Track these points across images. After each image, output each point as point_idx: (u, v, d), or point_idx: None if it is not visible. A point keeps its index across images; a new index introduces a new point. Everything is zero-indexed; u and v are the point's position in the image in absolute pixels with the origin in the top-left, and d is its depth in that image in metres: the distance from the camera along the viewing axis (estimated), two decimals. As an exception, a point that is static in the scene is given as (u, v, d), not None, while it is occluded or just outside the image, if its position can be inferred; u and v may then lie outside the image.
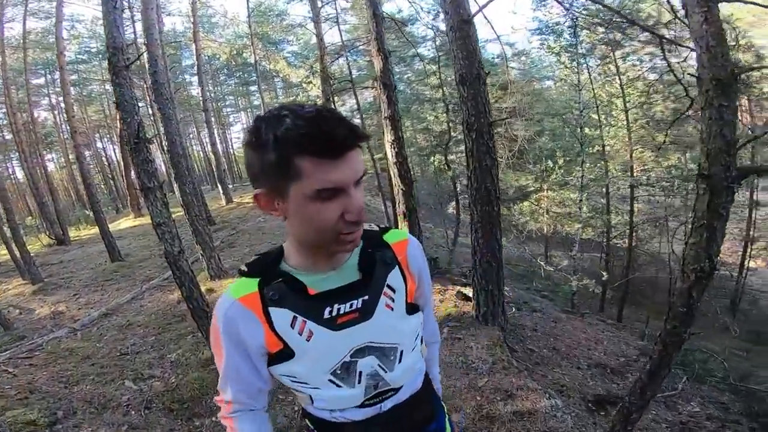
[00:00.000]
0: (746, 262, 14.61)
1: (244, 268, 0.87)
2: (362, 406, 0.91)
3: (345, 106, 18.05)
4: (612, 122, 12.82)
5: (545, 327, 6.36)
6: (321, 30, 10.85)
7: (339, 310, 0.83)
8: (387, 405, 0.94)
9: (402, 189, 5.46)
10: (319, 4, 10.93)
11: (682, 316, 2.21)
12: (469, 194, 4.70)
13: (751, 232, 14.71)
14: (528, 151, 11.97)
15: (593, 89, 12.20)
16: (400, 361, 0.92)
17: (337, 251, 0.83)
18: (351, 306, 0.84)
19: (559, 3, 6.74)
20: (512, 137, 10.61)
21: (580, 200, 12.18)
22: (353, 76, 12.39)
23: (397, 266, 0.92)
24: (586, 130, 11.95)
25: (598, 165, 12.79)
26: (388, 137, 5.40)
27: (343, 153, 0.70)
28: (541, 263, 11.61)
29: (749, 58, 10.00)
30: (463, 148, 5.77)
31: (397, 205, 5.75)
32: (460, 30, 4.18)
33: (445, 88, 11.32)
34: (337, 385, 0.87)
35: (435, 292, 5.94)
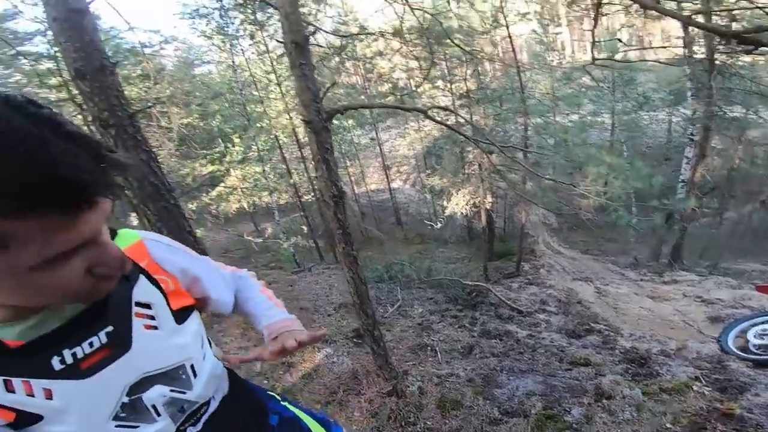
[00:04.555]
0: (390, 184, 20.26)
1: None
2: None
3: None
4: (270, 95, 14.10)
5: (285, 292, 6.82)
6: None
7: (75, 354, 0.63)
8: (200, 422, 0.81)
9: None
10: None
11: (342, 237, 2.83)
12: (132, 194, 4.25)
13: (386, 161, 20.49)
14: (193, 136, 11.71)
15: (249, 68, 12.99)
16: (195, 375, 0.78)
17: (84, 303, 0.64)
18: (92, 345, 0.65)
19: None
20: (169, 126, 10.06)
21: (263, 170, 13.18)
22: None
23: (141, 275, 0.74)
24: (251, 106, 12.75)
25: (271, 136, 14.01)
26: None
27: (93, 203, 0.49)
28: (250, 239, 12.13)
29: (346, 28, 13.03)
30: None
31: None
32: (68, 20, 3.53)
33: (70, 86, 9.30)
34: (133, 427, 0.70)
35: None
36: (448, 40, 5.24)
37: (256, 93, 13.48)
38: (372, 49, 13.38)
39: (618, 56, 9.54)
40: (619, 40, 8.26)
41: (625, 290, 8.89)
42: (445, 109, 4.72)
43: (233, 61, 12.31)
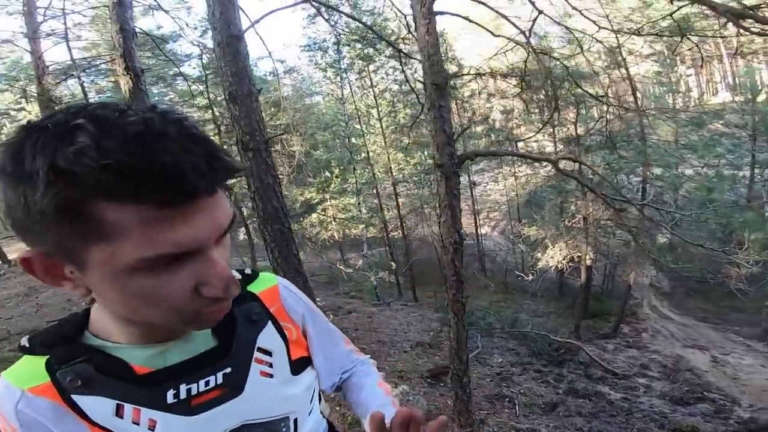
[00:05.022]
0: (479, 230, 19.71)
1: (25, 342, 0.61)
2: None
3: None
4: (371, 130, 14.90)
5: (364, 324, 6.94)
6: (40, 47, 8.62)
7: (189, 390, 0.62)
8: None
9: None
10: (39, 18, 8.63)
11: (455, 284, 2.82)
12: (257, 216, 4.63)
13: (476, 206, 19.99)
14: (306, 164, 12.70)
15: (354, 102, 13.96)
16: (296, 429, 0.74)
17: (194, 330, 0.63)
18: (207, 384, 0.63)
19: (326, 20, 7.26)
20: (290, 153, 11.01)
21: (359, 203, 13.73)
22: (90, 99, 10.31)
23: (270, 322, 0.72)
24: (353, 139, 13.58)
25: (367, 170, 14.65)
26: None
27: (194, 198, 0.46)
28: (341, 267, 12.58)
29: (453, 67, 13.42)
30: (240, 169, 5.52)
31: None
32: (229, 46, 4.03)
33: (215, 108, 10.78)
34: None
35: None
36: (566, 83, 5.05)
37: (357, 126, 14.32)
38: (469, 88, 13.52)
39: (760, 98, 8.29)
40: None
41: (750, 361, 7.58)
42: (574, 160, 4.50)
43: (342, 94, 13.25)
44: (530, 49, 3.64)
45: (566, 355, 7.32)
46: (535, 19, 3.31)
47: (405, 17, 4.24)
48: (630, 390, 5.51)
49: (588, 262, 10.81)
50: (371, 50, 11.67)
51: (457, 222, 2.60)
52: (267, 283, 0.76)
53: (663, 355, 7.83)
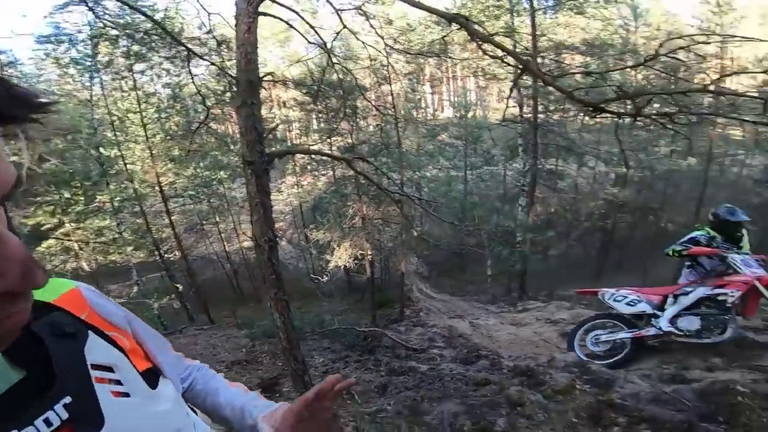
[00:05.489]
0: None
1: None
2: None
3: None
4: (131, 139, 12.61)
5: None
6: None
7: None
8: None
9: None
10: None
11: (275, 283, 2.76)
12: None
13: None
14: (35, 179, 9.68)
15: (107, 105, 11.44)
16: None
17: None
18: (49, 425, 0.45)
19: (91, 9, 5.57)
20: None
21: (118, 224, 11.43)
22: None
23: (90, 332, 0.56)
24: (103, 149, 11.13)
25: (124, 185, 12.31)
26: None
27: None
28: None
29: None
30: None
31: None
32: None
33: None
34: None
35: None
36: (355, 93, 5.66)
37: (110, 134, 11.83)
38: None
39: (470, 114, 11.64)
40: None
41: (493, 321, 10.16)
42: (364, 160, 5.06)
43: (90, 95, 10.74)
44: (330, 61, 3.91)
45: (374, 343, 8.14)
46: (338, 33, 3.61)
47: (209, 15, 3.88)
48: (431, 360, 6.44)
49: (370, 258, 12.32)
50: (143, 48, 9.91)
51: (270, 220, 2.60)
52: (61, 288, 0.59)
53: (440, 327, 9.55)
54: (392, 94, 10.01)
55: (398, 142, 11.16)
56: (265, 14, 2.39)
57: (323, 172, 14.50)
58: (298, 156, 15.59)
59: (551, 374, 4.30)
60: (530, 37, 11.33)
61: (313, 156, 12.91)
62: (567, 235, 18.55)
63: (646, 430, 2.65)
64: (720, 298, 4.25)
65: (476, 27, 2.81)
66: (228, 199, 18.35)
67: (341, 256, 11.80)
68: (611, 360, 4.63)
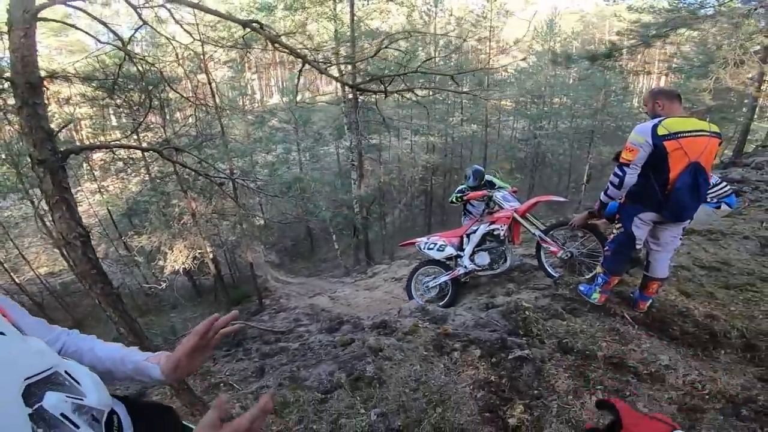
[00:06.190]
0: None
1: None
2: None
3: None
4: None
5: None
6: None
7: None
8: None
9: None
10: None
11: (99, 277, 2.45)
12: None
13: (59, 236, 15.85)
14: None
15: None
16: (77, 382, 0.73)
17: None
18: None
19: None
20: None
21: None
22: None
23: None
24: None
25: None
26: None
27: None
28: None
29: None
30: None
31: None
32: None
33: None
34: None
35: None
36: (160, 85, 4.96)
37: None
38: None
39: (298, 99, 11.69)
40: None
41: (349, 291, 10.82)
42: (177, 149, 4.51)
43: None
44: (127, 55, 3.43)
45: (239, 336, 7.74)
46: (137, 29, 3.19)
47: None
48: (300, 338, 6.50)
49: (211, 255, 11.37)
50: None
51: (75, 214, 2.29)
52: None
53: (301, 307, 9.66)
54: (210, 83, 9.15)
55: (221, 131, 10.36)
56: (46, 20, 2.28)
57: (133, 173, 12.43)
58: (96, 157, 12.97)
59: (400, 321, 4.93)
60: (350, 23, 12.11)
61: (116, 154, 10.88)
62: (399, 201, 20.71)
63: (476, 349, 3.34)
64: (495, 232, 4.85)
65: (269, 30, 3.13)
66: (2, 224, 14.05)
67: (177, 259, 10.57)
68: (443, 302, 5.29)
